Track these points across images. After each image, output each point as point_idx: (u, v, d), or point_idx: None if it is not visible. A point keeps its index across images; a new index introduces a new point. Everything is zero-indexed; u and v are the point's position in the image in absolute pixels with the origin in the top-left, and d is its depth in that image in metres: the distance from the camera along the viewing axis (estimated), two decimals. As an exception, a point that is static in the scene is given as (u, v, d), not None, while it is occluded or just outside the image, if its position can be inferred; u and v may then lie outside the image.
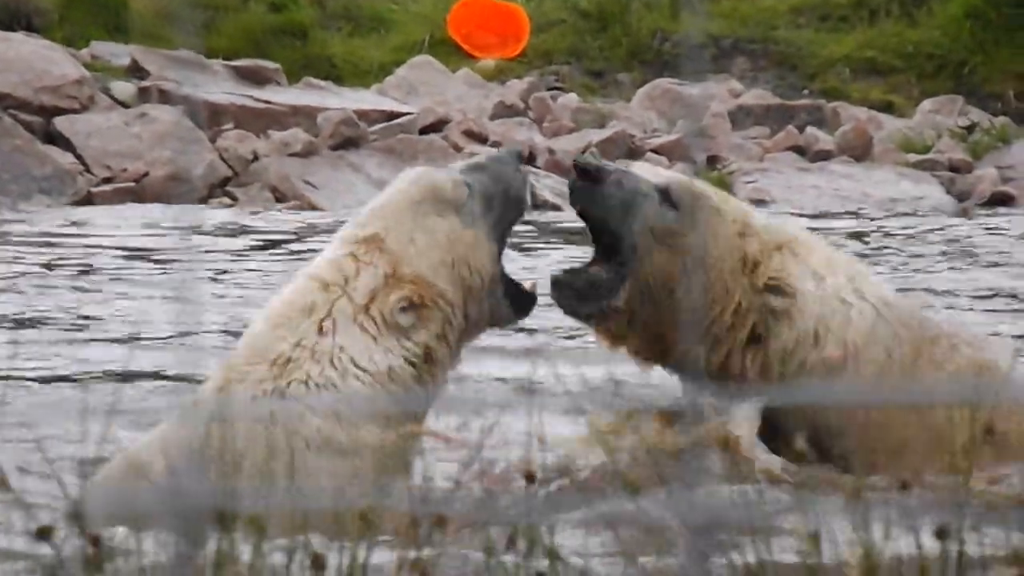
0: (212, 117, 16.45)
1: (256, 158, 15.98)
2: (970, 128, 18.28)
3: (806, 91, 19.57)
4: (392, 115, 16.92)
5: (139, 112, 16.23)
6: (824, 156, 17.49)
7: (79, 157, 15.86)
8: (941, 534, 3.48)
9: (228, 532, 3.47)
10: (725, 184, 16.80)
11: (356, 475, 4.89)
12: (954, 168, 17.43)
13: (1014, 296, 10.56)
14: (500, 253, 5.36)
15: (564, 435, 5.40)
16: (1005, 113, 19.00)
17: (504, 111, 17.86)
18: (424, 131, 16.78)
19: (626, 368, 5.58)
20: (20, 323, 9.40)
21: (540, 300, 5.46)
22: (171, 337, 8.79)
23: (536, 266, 11.71)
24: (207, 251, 12.32)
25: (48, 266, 11.69)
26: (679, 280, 5.38)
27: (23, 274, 11.30)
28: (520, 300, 5.41)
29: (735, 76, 19.60)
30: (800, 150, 17.66)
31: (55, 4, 19.45)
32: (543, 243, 13.49)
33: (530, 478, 3.64)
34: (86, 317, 9.53)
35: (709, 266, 5.37)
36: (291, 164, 15.94)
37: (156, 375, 7.58)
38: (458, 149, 16.53)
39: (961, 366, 5.38)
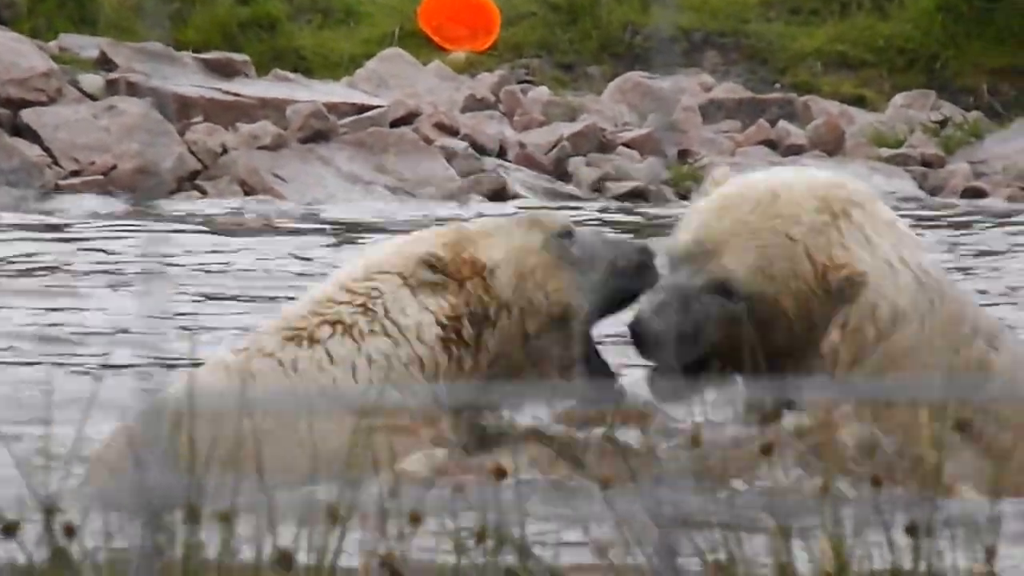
0: (181, 110, 16.39)
1: (225, 151, 15.92)
2: (942, 123, 18.31)
3: (777, 85, 19.59)
4: (362, 108, 16.87)
5: (107, 105, 16.15)
6: (796, 150, 17.50)
7: (47, 150, 15.78)
8: (912, 531, 3.47)
9: (195, 524, 3.44)
10: (696, 178, 16.80)
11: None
12: (926, 163, 17.47)
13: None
14: (593, 314, 5.45)
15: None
16: (977, 108, 19.04)
17: (475, 104, 17.83)
18: (395, 124, 16.74)
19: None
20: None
21: None
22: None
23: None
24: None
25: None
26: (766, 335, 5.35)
27: None
28: (597, 370, 5.45)
29: (706, 70, 19.60)
30: (772, 144, 17.67)
31: (23, -5, 19.35)
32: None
33: (500, 474, 3.62)
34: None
35: (788, 317, 5.36)
36: (260, 157, 15.89)
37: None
38: (429, 142, 16.50)
39: (967, 358, 5.40)
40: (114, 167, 15.54)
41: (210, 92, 16.75)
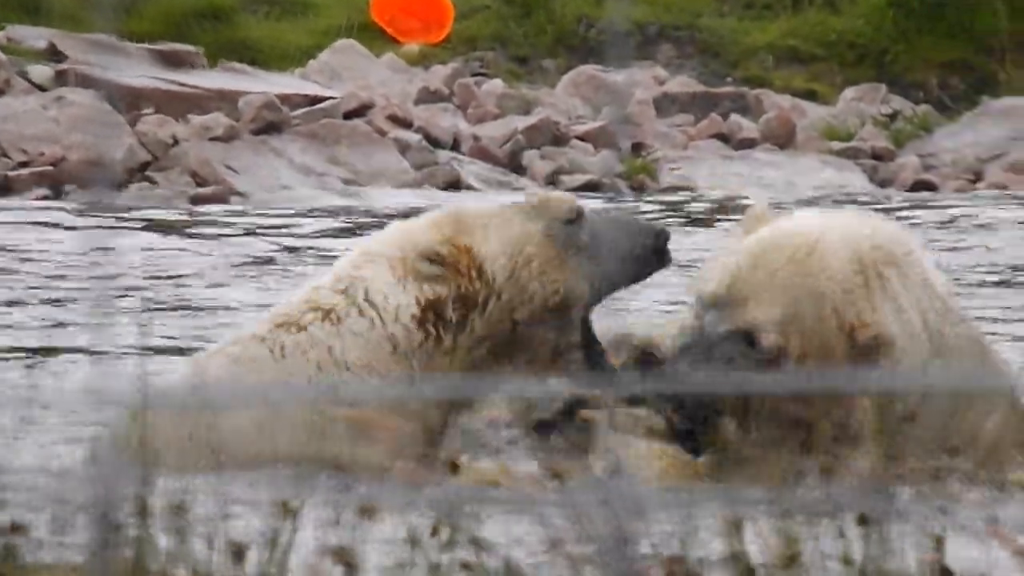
0: (131, 101, 16.30)
1: (176, 142, 15.85)
2: (892, 116, 18.41)
3: (729, 79, 19.64)
4: (315, 99, 16.82)
5: (56, 96, 16.05)
6: (748, 144, 17.56)
7: (-4, 141, 15.68)
8: (862, 521, 3.48)
9: (146, 519, 3.43)
10: (650, 171, 16.84)
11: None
12: (876, 156, 17.55)
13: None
14: (595, 297, 5.40)
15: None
16: (927, 101, 19.15)
17: (428, 96, 17.81)
18: (348, 116, 16.70)
19: None
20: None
21: None
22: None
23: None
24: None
25: None
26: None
27: None
28: (595, 359, 5.42)
29: (660, 63, 19.64)
30: (724, 138, 17.72)
31: (-28, -14, 19.22)
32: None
33: (455, 468, 3.61)
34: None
35: (816, 358, 5.34)
36: (212, 149, 15.82)
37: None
38: (382, 134, 16.47)
39: (962, 425, 5.45)
40: (63, 159, 15.45)
41: (161, 83, 16.67)
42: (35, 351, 8.06)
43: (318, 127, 16.33)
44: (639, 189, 16.54)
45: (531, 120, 17.25)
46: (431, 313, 5.29)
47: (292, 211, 14.59)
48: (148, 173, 15.63)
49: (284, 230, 13.46)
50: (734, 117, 18.02)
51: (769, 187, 16.66)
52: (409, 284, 5.31)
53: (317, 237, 13.20)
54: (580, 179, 16.46)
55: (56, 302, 9.66)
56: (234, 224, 13.65)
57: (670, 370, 5.32)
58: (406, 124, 16.81)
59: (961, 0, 19.70)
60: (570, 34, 20.00)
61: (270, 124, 16.18)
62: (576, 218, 5.42)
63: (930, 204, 15.69)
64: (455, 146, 16.86)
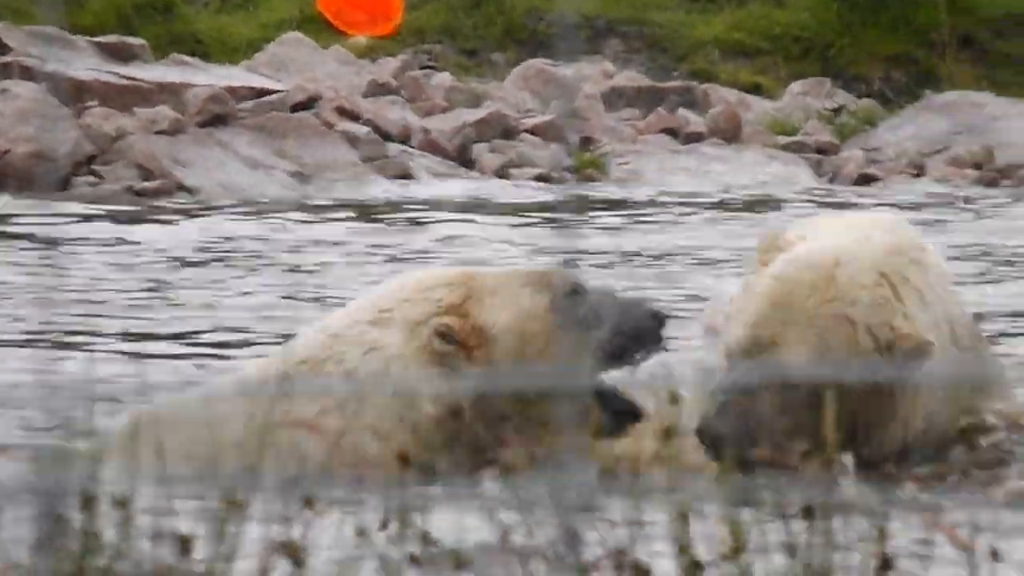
0: (76, 94, 16.21)
1: (122, 135, 15.77)
2: (837, 110, 18.51)
3: (677, 73, 19.69)
4: (262, 92, 16.77)
5: (0, 88, 15.94)
6: (695, 138, 17.62)
7: (-60, 133, 15.57)
8: (808, 513, 3.51)
9: (92, 514, 3.42)
10: (598, 165, 16.88)
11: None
12: (821, 150, 17.65)
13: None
14: (598, 369, 5.37)
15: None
16: (870, 95, 19.26)
17: (377, 89, 17.78)
18: (295, 108, 16.65)
19: None
20: None
21: None
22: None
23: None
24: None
25: None
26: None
27: None
28: (621, 415, 5.39)
29: (608, 58, 19.67)
30: (672, 132, 17.78)
31: (-85, -23, 19.07)
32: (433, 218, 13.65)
33: (403, 460, 3.62)
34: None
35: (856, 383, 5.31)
36: (158, 142, 15.75)
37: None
38: (330, 127, 16.43)
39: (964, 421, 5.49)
40: (7, 151, 15.35)
41: (106, 76, 16.58)
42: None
43: (265, 120, 16.28)
44: (590, 181, 16.59)
45: (480, 113, 17.25)
46: (446, 413, 5.27)
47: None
48: (94, 167, 15.55)
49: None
50: (681, 111, 18.08)
51: (716, 181, 16.73)
52: (419, 358, 5.27)
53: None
54: (529, 172, 16.48)
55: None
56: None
57: (714, 433, 5.22)
58: (354, 117, 16.78)
59: (905, -6, 19.83)
60: (519, 28, 20.01)
61: (217, 117, 16.12)
62: (575, 291, 5.41)
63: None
64: (404, 139, 16.85)
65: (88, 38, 17.30)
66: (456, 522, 3.73)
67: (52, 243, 12.17)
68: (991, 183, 16.82)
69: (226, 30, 19.69)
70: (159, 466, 4.83)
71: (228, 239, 12.84)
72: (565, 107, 16.60)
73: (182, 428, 5.18)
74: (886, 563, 3.47)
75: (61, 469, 3.49)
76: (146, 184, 15.29)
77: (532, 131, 17.20)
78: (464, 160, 16.79)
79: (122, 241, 12.51)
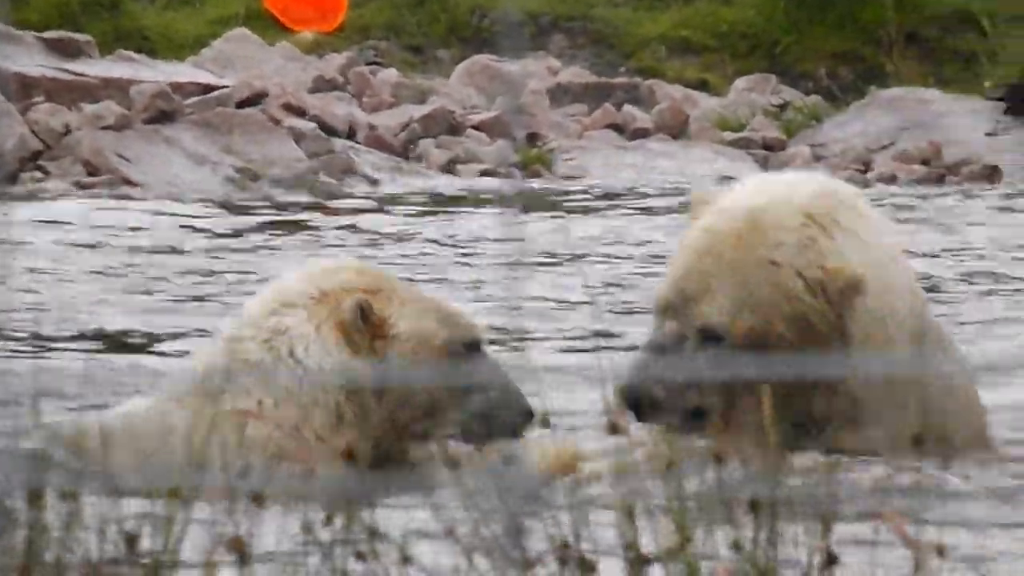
0: (22, 90, 16.11)
1: (68, 131, 15.69)
2: (783, 107, 18.58)
3: (623, 69, 19.73)
4: (208, 88, 16.71)
5: (-54, 84, 15.85)
6: (642, 134, 17.66)
7: None
8: (754, 507, 3.52)
9: (39, 509, 3.41)
10: (544, 161, 16.90)
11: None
12: (768, 146, 17.71)
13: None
14: (456, 428, 5.35)
15: None
16: (816, 92, 19.34)
17: (323, 85, 17.75)
18: (241, 104, 16.60)
19: None
20: None
21: None
22: None
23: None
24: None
25: None
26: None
27: None
28: (513, 417, 5.37)
29: (553, 54, 19.69)
30: (618, 128, 17.81)
31: None
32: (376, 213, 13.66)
33: (350, 456, 3.63)
34: None
35: (788, 340, 5.18)
36: (105, 138, 15.68)
37: None
38: (276, 122, 16.39)
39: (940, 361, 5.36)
40: (-47, 147, 15.27)
41: (52, 72, 16.49)
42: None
43: (212, 116, 16.23)
44: (536, 176, 16.61)
45: (426, 109, 17.25)
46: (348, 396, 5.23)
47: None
48: (40, 163, 15.47)
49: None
50: (628, 107, 18.11)
51: (663, 177, 16.78)
52: (330, 343, 5.25)
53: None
54: (475, 168, 16.49)
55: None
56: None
57: (638, 395, 5.13)
58: (300, 113, 16.75)
59: (850, -9, 19.92)
60: (464, 24, 20.01)
61: (163, 113, 16.06)
62: (474, 346, 5.38)
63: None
64: (350, 135, 16.83)
65: (34, 34, 17.20)
66: (402, 516, 3.74)
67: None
68: (938, 180, 16.92)
69: (172, 26, 19.61)
70: (106, 464, 4.82)
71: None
72: (511, 103, 16.61)
73: (125, 434, 5.17)
74: (831, 558, 3.48)
75: (8, 464, 3.48)
76: (92, 179, 15.22)
77: (478, 127, 17.21)
78: (410, 156, 16.78)
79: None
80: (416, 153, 16.81)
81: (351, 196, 15.19)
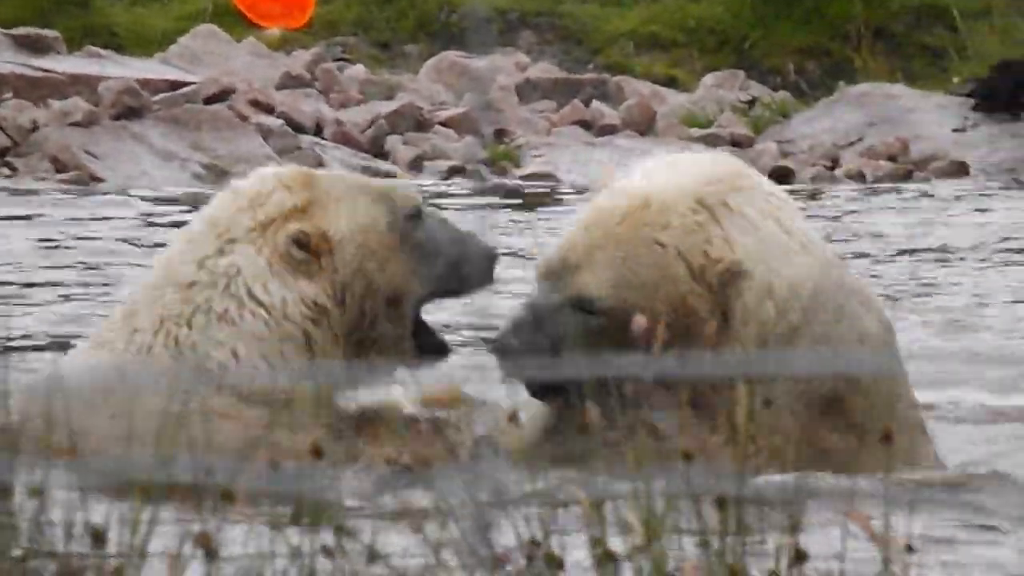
0: (-11, 85, 16.06)
1: (36, 128, 15.64)
2: (751, 103, 18.60)
3: (591, 65, 19.73)
4: (176, 84, 16.68)
5: (-88, 80, 15.78)
6: (610, 130, 17.67)
7: None
8: (721, 504, 3.52)
9: (8, 504, 3.40)
10: (513, 158, 16.90)
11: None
12: (736, 143, 17.73)
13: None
14: (422, 298, 5.35)
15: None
16: (785, 88, 19.37)
17: (290, 81, 17.72)
18: (209, 101, 16.57)
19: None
20: None
21: None
22: None
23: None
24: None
25: None
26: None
27: None
28: (429, 347, 5.39)
29: (521, 50, 19.68)
30: (586, 124, 17.81)
31: None
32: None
33: (316, 453, 3.62)
34: None
35: (665, 309, 5.19)
36: (72, 134, 15.63)
37: None
38: (244, 119, 16.36)
39: (851, 328, 5.30)
40: (-81, 144, 15.20)
41: (20, 68, 16.43)
42: None
43: (179, 112, 16.19)
44: (502, 174, 16.60)
45: (394, 106, 17.23)
46: (317, 307, 5.22)
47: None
48: (8, 159, 15.41)
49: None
50: (596, 104, 18.12)
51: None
52: (281, 272, 5.22)
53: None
54: (443, 165, 16.48)
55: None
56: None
57: (505, 348, 5.22)
58: (268, 109, 16.72)
59: (818, -13, 19.96)
60: (431, 20, 19.99)
61: (130, 109, 16.02)
62: (417, 214, 5.39)
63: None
64: (318, 131, 16.80)
65: (2, 30, 17.13)
66: (372, 515, 3.74)
67: None
68: (905, 176, 16.97)
69: (140, 23, 19.55)
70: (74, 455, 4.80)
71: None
72: (479, 99, 16.61)
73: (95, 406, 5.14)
74: (800, 555, 3.49)
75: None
76: (60, 176, 15.17)
77: (446, 123, 17.20)
78: (377, 152, 16.76)
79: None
80: (384, 150, 16.80)
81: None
